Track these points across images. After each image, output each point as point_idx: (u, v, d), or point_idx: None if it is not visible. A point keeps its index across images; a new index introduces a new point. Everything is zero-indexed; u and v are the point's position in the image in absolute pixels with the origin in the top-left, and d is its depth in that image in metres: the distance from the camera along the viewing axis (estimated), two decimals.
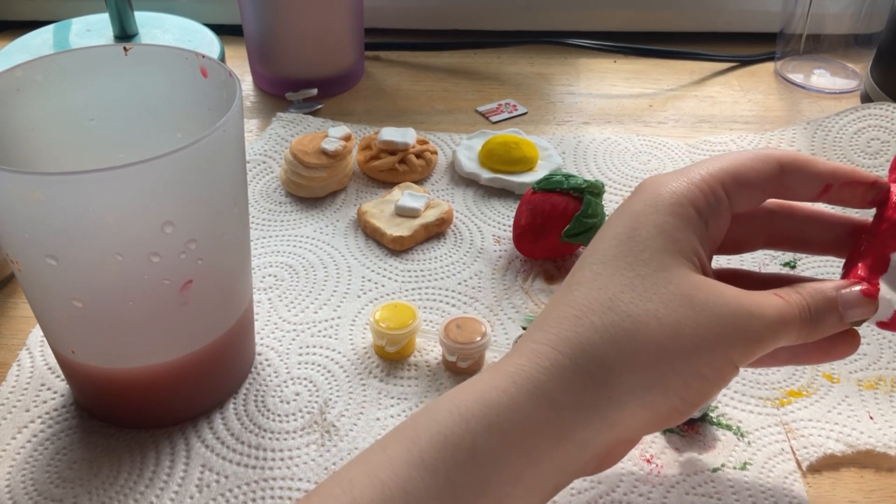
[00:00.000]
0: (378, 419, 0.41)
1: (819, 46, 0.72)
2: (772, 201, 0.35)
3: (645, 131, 0.65)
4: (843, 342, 0.33)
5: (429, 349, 0.45)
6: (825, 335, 0.32)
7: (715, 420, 0.40)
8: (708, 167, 0.32)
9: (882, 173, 0.54)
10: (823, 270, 0.50)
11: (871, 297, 0.31)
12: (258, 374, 0.43)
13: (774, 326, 0.30)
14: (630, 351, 0.28)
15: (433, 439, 0.27)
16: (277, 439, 0.39)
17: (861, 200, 0.34)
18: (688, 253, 0.31)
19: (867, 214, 0.35)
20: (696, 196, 0.31)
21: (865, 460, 0.39)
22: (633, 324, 0.29)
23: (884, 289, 0.31)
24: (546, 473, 0.28)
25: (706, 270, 0.32)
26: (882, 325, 0.32)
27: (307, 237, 0.53)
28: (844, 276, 0.33)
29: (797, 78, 0.72)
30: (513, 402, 0.28)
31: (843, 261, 0.34)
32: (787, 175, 0.32)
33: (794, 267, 0.50)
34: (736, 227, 0.34)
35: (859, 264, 0.32)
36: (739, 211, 0.33)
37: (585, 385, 0.28)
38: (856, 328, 0.33)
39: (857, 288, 0.32)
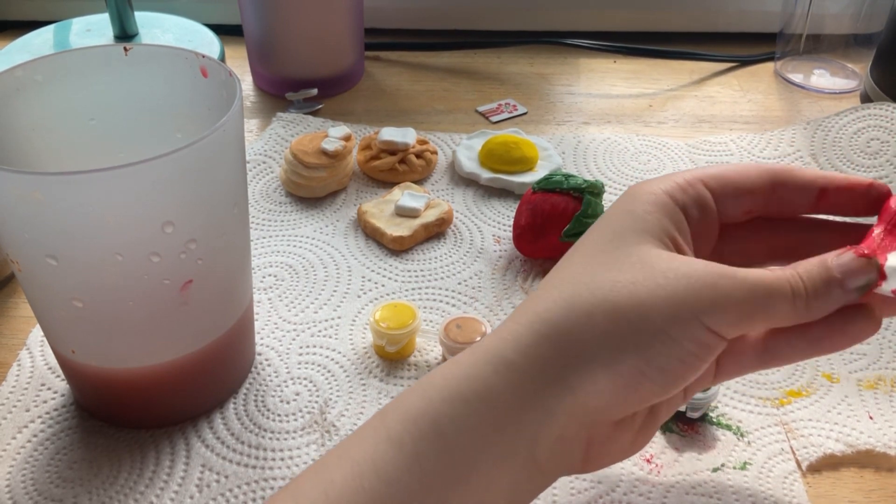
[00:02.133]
0: None
1: (819, 46, 0.72)
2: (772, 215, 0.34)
3: (645, 131, 0.65)
4: (859, 318, 0.30)
5: (429, 349, 0.45)
6: (830, 307, 0.29)
7: (715, 420, 0.40)
8: (693, 170, 0.32)
9: (882, 173, 0.54)
10: None
11: (864, 256, 0.29)
12: (258, 373, 0.43)
13: (757, 292, 0.28)
14: (584, 313, 0.28)
15: (398, 416, 0.28)
16: (277, 439, 0.39)
17: (859, 205, 0.32)
18: (657, 233, 0.30)
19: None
20: (672, 188, 0.31)
21: (865, 460, 0.39)
22: (589, 290, 0.29)
23: (893, 259, 0.29)
24: (514, 442, 0.28)
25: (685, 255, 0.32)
26: None
27: (307, 237, 0.53)
28: None
29: (797, 78, 0.72)
30: (472, 371, 0.28)
31: None
32: (780, 184, 0.32)
33: None
34: (736, 240, 0.33)
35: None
36: (732, 214, 0.32)
37: (541, 347, 0.28)
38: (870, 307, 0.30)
39: (851, 252, 0.30)
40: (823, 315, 0.29)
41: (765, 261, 0.35)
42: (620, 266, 0.29)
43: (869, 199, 0.32)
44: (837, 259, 0.29)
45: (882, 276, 0.29)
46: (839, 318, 0.30)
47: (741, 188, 0.32)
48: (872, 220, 0.32)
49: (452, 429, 0.27)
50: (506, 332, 0.29)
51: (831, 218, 0.34)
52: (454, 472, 0.27)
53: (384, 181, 0.58)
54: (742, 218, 0.33)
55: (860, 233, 0.32)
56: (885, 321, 0.46)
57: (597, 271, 0.29)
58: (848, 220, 0.34)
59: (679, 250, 0.31)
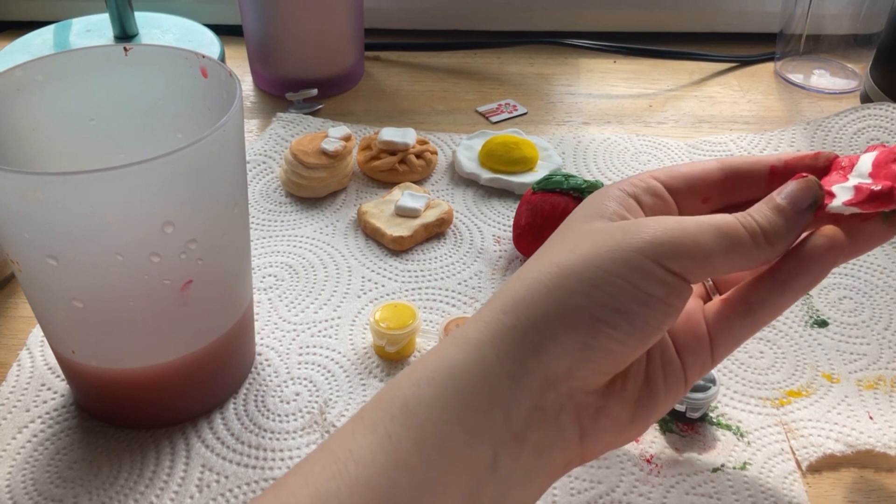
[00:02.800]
0: None
1: (819, 47, 0.72)
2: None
3: (645, 131, 0.65)
4: (821, 241, 0.30)
5: (429, 349, 0.45)
6: (788, 235, 0.30)
7: (714, 420, 0.40)
8: (646, 172, 0.34)
9: None
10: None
11: (803, 176, 0.30)
12: (258, 374, 0.43)
13: (710, 232, 0.29)
14: (535, 280, 0.29)
15: (372, 407, 0.29)
16: (277, 439, 0.39)
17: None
18: (606, 213, 0.31)
19: None
20: (621, 184, 0.33)
21: (865, 460, 0.39)
22: (538, 262, 0.30)
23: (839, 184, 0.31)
24: (486, 415, 0.27)
25: None
26: (851, 202, 0.30)
27: (307, 237, 0.53)
28: None
29: (797, 78, 0.72)
30: (438, 355, 0.29)
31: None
32: (730, 168, 0.33)
33: None
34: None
35: None
36: (689, 203, 0.33)
37: (500, 321, 0.29)
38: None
39: (791, 180, 0.31)
40: (785, 246, 0.30)
41: None
42: (568, 238, 0.31)
43: (816, 168, 0.33)
44: (780, 189, 0.31)
45: (829, 194, 0.30)
46: (804, 248, 0.30)
47: (691, 177, 0.33)
48: None
49: (421, 408, 0.27)
50: (471, 319, 0.30)
51: None
52: (426, 448, 0.27)
53: (384, 181, 0.58)
54: (704, 208, 0.34)
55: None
56: (885, 321, 0.46)
57: (553, 249, 0.31)
58: None
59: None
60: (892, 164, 0.31)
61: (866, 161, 0.32)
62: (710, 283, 0.35)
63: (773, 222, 0.30)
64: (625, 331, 0.28)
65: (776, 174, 0.33)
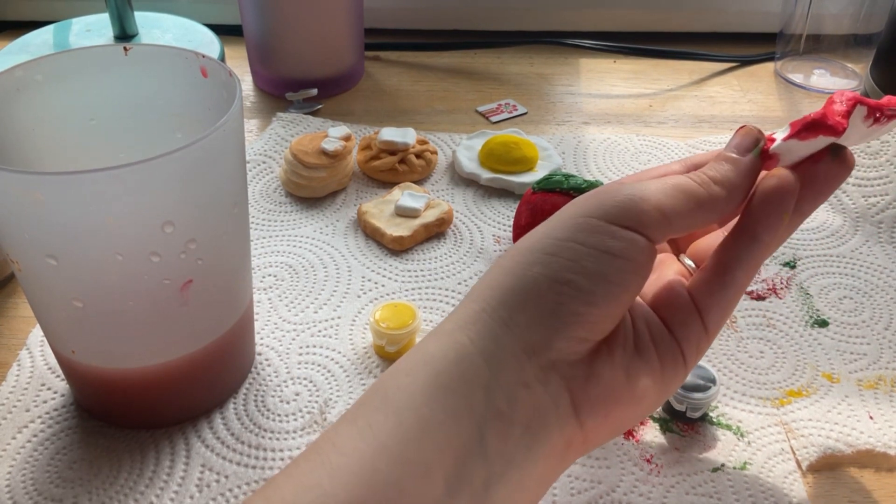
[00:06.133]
0: None
1: (819, 46, 0.72)
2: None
3: (645, 131, 0.65)
4: (773, 180, 0.31)
5: None
6: (737, 179, 0.31)
7: (715, 420, 0.40)
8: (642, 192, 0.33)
9: (882, 173, 0.54)
10: (823, 270, 0.50)
11: (742, 126, 0.32)
12: (258, 373, 0.43)
13: (661, 188, 0.30)
14: (503, 262, 0.30)
15: (356, 403, 0.29)
16: (277, 439, 0.39)
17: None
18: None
19: None
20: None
21: (865, 460, 0.39)
22: (508, 251, 0.31)
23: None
24: (466, 396, 0.27)
25: None
26: (791, 135, 0.31)
27: (307, 237, 0.53)
28: None
29: (797, 78, 0.72)
30: (416, 348, 0.29)
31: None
32: (692, 166, 0.33)
33: (794, 266, 0.50)
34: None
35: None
36: None
37: (469, 306, 0.29)
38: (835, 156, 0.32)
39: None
40: (741, 194, 0.31)
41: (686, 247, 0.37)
42: (552, 220, 0.31)
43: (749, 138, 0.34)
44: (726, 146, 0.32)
45: (770, 139, 0.32)
46: (757, 193, 0.31)
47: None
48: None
49: (400, 395, 0.28)
50: (455, 311, 0.30)
51: None
52: (404, 432, 0.27)
53: (384, 181, 0.58)
54: None
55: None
56: (885, 321, 0.46)
57: (532, 234, 0.31)
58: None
59: None
60: (830, 105, 0.32)
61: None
62: (691, 263, 0.35)
63: (721, 170, 0.31)
64: (587, 290, 0.28)
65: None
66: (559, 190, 0.49)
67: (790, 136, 0.31)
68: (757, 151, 0.32)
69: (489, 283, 0.30)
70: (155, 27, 0.73)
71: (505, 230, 0.54)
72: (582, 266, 0.28)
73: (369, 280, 0.49)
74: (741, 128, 0.32)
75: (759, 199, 0.31)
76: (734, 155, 0.31)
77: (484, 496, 0.27)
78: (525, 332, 0.28)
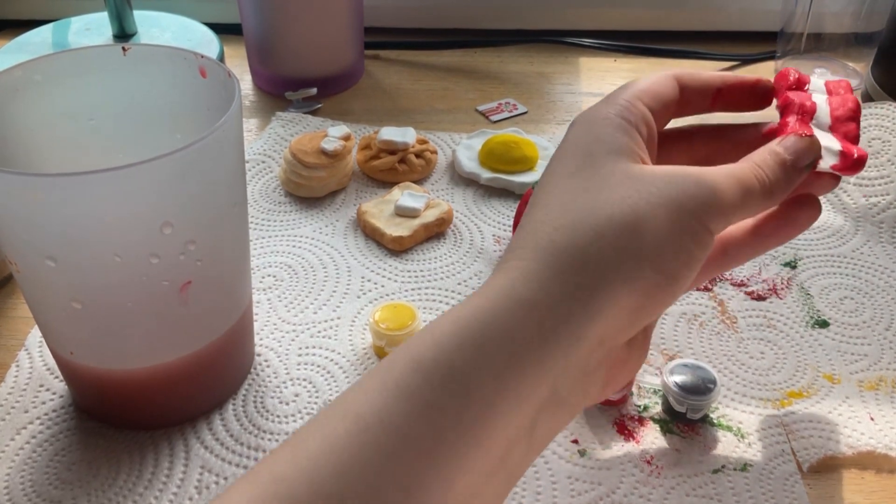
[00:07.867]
0: None
1: (820, 45, 0.72)
2: (686, 127, 0.36)
3: None
4: (806, 205, 0.34)
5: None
6: (788, 189, 0.31)
7: (715, 421, 0.40)
8: (627, 90, 0.33)
9: (883, 173, 0.54)
10: (824, 270, 0.50)
11: (804, 134, 0.32)
12: (257, 374, 0.43)
13: (735, 185, 0.30)
14: (593, 234, 0.28)
15: (406, 367, 0.26)
16: (277, 440, 0.39)
17: (748, 101, 0.36)
18: (627, 151, 0.31)
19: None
20: (621, 111, 0.32)
21: (866, 462, 0.39)
22: (588, 211, 0.29)
23: (821, 139, 0.32)
24: (536, 383, 0.27)
25: None
26: (837, 168, 0.32)
27: (307, 237, 0.53)
28: None
29: None
30: (485, 314, 0.27)
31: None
32: (684, 86, 0.34)
33: (794, 267, 0.50)
34: (663, 154, 0.34)
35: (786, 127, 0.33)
36: (661, 126, 0.34)
37: (555, 278, 0.27)
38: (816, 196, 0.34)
39: (791, 135, 0.32)
40: (782, 199, 0.32)
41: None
42: (609, 185, 0.29)
43: (755, 94, 0.36)
44: (783, 143, 0.32)
45: (803, 80, 0.33)
46: (789, 208, 0.33)
47: (666, 101, 0.33)
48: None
49: (468, 377, 0.26)
50: (512, 270, 0.28)
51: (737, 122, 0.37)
52: (470, 421, 0.25)
53: (384, 181, 0.58)
54: (662, 128, 0.34)
55: (762, 131, 0.35)
56: (886, 321, 0.46)
57: (588, 194, 0.29)
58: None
59: (645, 164, 0.32)
60: (849, 121, 0.33)
61: (824, 110, 0.34)
62: None
63: (777, 176, 0.31)
64: (672, 292, 0.29)
65: (720, 95, 0.35)
66: None
67: (837, 169, 0.32)
68: (809, 168, 0.32)
69: (582, 254, 0.28)
70: (154, 26, 0.72)
71: (505, 230, 0.54)
72: (676, 268, 0.29)
73: (369, 280, 0.49)
74: (803, 135, 0.32)
75: (794, 225, 0.34)
76: (790, 164, 0.31)
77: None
78: (607, 323, 0.28)
